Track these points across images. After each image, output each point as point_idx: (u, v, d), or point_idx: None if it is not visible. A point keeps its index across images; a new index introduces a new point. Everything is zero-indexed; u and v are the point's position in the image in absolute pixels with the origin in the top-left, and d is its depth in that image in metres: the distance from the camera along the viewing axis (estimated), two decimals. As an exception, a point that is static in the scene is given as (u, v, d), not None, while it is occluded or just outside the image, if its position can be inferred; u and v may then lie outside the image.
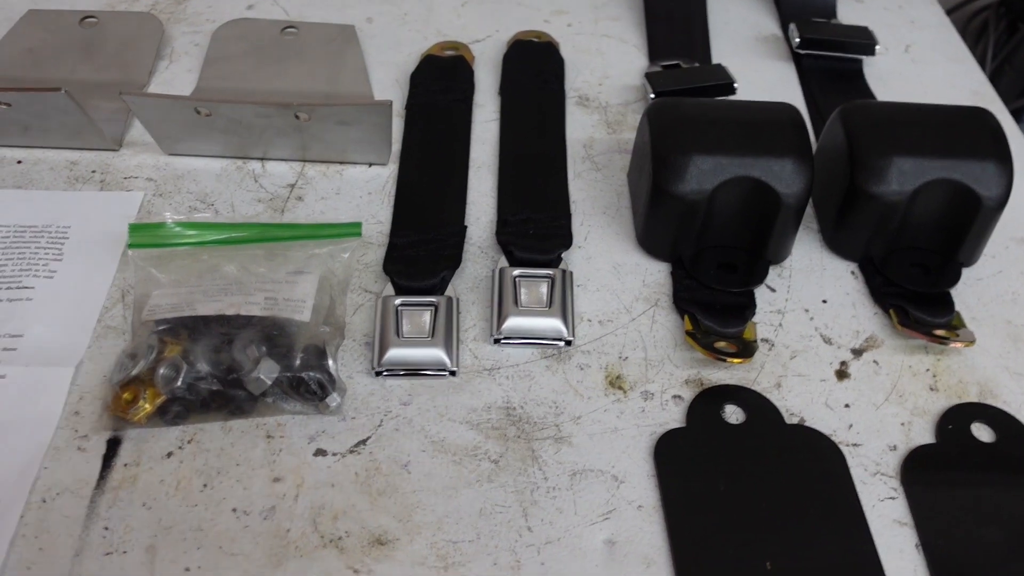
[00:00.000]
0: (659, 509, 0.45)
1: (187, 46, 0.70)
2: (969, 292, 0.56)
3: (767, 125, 0.54)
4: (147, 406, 0.46)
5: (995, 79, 0.94)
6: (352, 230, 0.53)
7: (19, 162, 0.60)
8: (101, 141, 0.60)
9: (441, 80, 0.66)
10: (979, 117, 0.55)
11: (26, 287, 0.52)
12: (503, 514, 0.44)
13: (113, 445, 0.46)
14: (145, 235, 0.52)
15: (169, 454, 0.46)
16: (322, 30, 0.70)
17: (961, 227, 0.54)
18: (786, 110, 0.55)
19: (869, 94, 0.69)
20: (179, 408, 0.46)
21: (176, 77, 0.68)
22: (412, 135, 0.62)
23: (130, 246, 0.52)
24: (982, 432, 0.49)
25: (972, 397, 0.50)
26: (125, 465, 0.45)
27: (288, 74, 0.66)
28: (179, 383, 0.46)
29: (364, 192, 0.60)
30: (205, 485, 0.45)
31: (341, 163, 0.61)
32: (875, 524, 0.45)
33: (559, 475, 0.46)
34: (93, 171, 0.60)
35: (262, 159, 0.61)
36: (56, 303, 0.52)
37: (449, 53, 0.69)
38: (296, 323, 0.48)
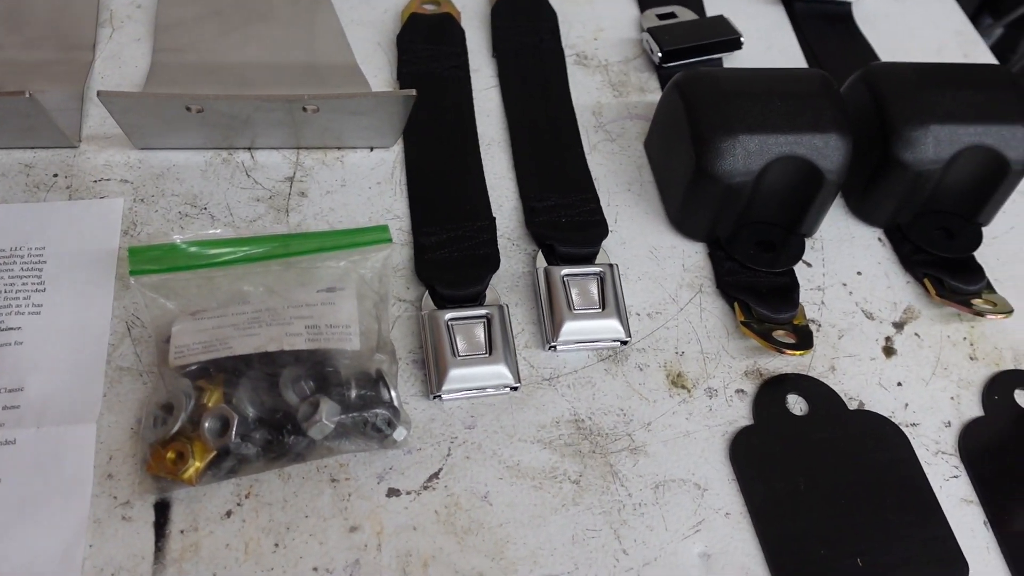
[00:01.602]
0: (746, 515, 0.44)
1: (128, 8, 0.61)
2: (988, 252, 0.57)
3: (805, 97, 0.51)
4: (197, 463, 0.41)
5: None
6: (380, 235, 0.49)
7: (-39, 169, 0.52)
8: (59, 137, 0.52)
9: (431, 43, 0.60)
10: (1000, 76, 0.55)
11: (11, 328, 0.45)
12: (596, 539, 0.43)
13: (162, 509, 0.41)
14: (147, 258, 0.46)
15: (228, 513, 0.42)
16: (286, -14, 0.62)
17: (987, 190, 0.55)
18: (819, 78, 0.53)
19: (862, 38, 0.68)
20: (233, 462, 0.42)
21: (124, 49, 0.59)
22: (412, 111, 0.57)
23: (132, 273, 0.46)
24: (1024, 399, 0.51)
25: (1009, 363, 0.52)
26: (182, 532, 0.41)
27: (257, 42, 0.59)
28: (232, 436, 0.41)
29: (372, 182, 0.54)
30: (277, 544, 0.41)
31: (339, 148, 0.55)
32: (945, 504, 0.46)
33: (642, 489, 0.45)
34: (55, 175, 0.52)
35: (250, 148, 0.54)
36: (53, 345, 0.45)
37: (431, 8, 0.63)
38: (346, 353, 0.44)
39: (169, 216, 0.51)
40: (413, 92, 0.49)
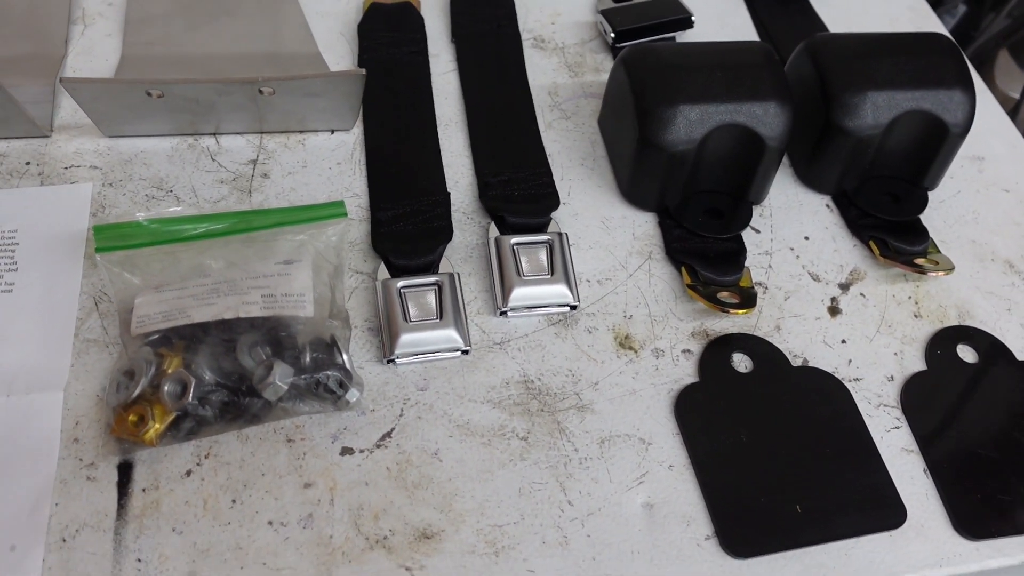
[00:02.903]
0: (689, 467, 0.46)
1: (100, 6, 0.64)
2: (935, 215, 0.58)
3: (745, 68, 0.53)
4: (157, 425, 0.43)
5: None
6: (336, 210, 0.51)
7: (-62, 159, 0.54)
8: (31, 128, 0.54)
9: (391, 30, 0.63)
10: (939, 43, 0.56)
11: (-16, 305, 0.48)
12: (542, 491, 0.45)
13: (125, 470, 0.43)
14: (112, 236, 0.48)
15: (188, 472, 0.44)
16: (251, -19, 0.64)
17: (928, 155, 0.56)
18: (760, 49, 0.55)
19: (815, 15, 0.70)
20: (191, 423, 0.44)
21: (96, 44, 0.61)
22: (371, 95, 0.59)
23: (97, 250, 0.48)
24: (967, 354, 0.52)
25: (953, 320, 0.53)
26: (143, 490, 0.43)
27: (224, 34, 0.61)
28: (189, 398, 0.43)
29: (332, 162, 0.56)
30: (234, 500, 0.43)
31: (301, 132, 0.58)
32: (885, 454, 0.47)
33: (588, 444, 0.46)
34: (27, 163, 0.54)
35: (215, 134, 0.57)
36: (23, 320, 0.47)
37: (392, -1, 0.65)
38: (300, 319, 0.46)
39: (136, 199, 0.53)
40: (362, 71, 0.51)
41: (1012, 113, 0.91)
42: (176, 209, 0.51)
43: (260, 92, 0.51)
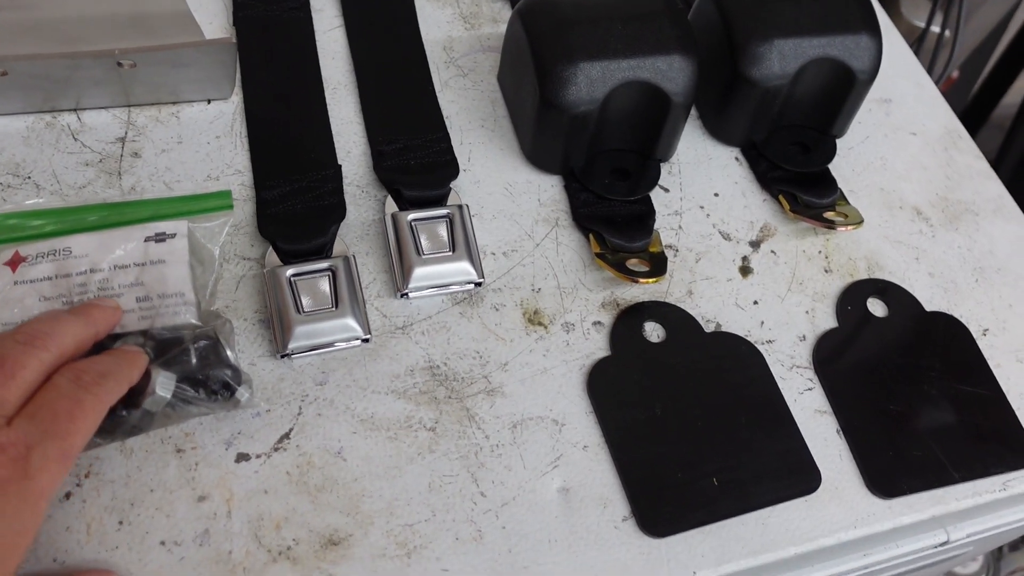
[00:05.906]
0: (604, 446, 0.45)
1: (-67, -34, 0.57)
2: (843, 164, 0.57)
3: (647, 19, 0.50)
4: (27, 447, 0.40)
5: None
6: (221, 201, 0.46)
7: None
8: None
9: (268, -16, 0.57)
10: (845, -15, 0.55)
11: None
12: (453, 484, 0.43)
13: (-5, 498, 0.40)
14: (-39, 237, 0.43)
15: (68, 495, 0.40)
16: (106, -69, 0.58)
17: (836, 102, 0.55)
18: (662, -1, 0.52)
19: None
20: (66, 442, 0.40)
21: (-69, 11, 0.55)
22: (251, 59, 0.54)
23: (-56, 253, 0.43)
24: (877, 307, 0.52)
25: (862, 273, 0.53)
26: (18, 519, 0.39)
27: (78, -7, 0.55)
28: (61, 416, 0.39)
29: (210, 136, 0.52)
30: (121, 522, 0.40)
31: (174, 103, 0.53)
32: (799, 417, 0.47)
33: (499, 430, 0.44)
34: None
35: (75, 110, 0.51)
36: None
37: (267, -53, 0.60)
38: (181, 318, 0.43)
39: (-10, 189, 0.48)
40: (232, 41, 0.46)
41: (918, 41, 0.91)
42: (37, 201, 0.46)
43: (119, 65, 0.46)
